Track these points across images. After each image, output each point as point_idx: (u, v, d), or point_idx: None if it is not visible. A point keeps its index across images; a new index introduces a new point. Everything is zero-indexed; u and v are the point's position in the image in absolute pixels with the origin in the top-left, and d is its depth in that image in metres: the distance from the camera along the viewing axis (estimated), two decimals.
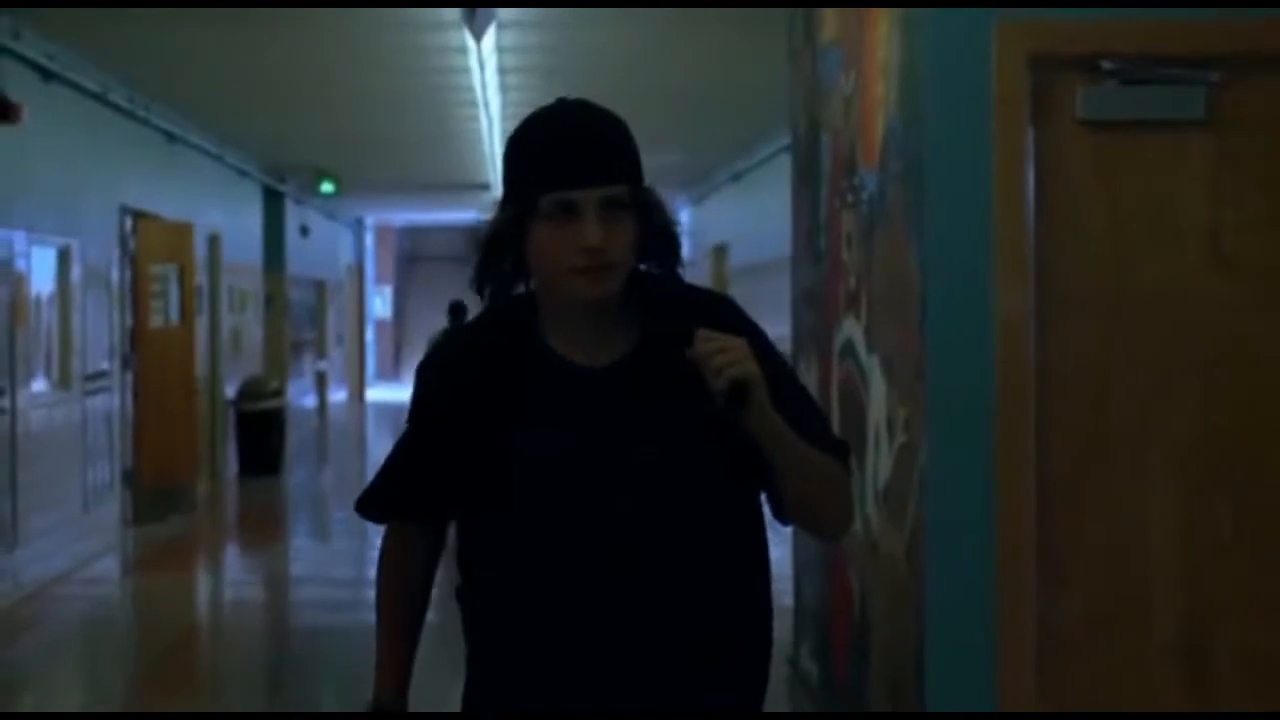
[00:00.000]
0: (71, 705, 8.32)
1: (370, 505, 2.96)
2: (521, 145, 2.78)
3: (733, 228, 21.81)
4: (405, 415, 2.92)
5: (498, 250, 2.77)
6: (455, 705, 2.94)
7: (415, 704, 3.01)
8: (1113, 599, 5.45)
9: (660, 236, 2.81)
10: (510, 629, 2.78)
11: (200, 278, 16.28)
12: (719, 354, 2.65)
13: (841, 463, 2.87)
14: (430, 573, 2.96)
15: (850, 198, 6.61)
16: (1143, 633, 5.47)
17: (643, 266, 2.82)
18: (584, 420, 2.74)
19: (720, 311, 2.86)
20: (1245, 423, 5.46)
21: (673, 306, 2.82)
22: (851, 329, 6.60)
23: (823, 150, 7.20)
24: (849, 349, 6.63)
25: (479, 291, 2.83)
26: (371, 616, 2.99)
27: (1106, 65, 5.38)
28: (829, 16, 7.08)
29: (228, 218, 17.84)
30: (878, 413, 6.12)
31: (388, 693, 2.95)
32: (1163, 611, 5.47)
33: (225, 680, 9.10)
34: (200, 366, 15.84)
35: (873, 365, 6.25)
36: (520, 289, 2.83)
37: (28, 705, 8.34)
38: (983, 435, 5.37)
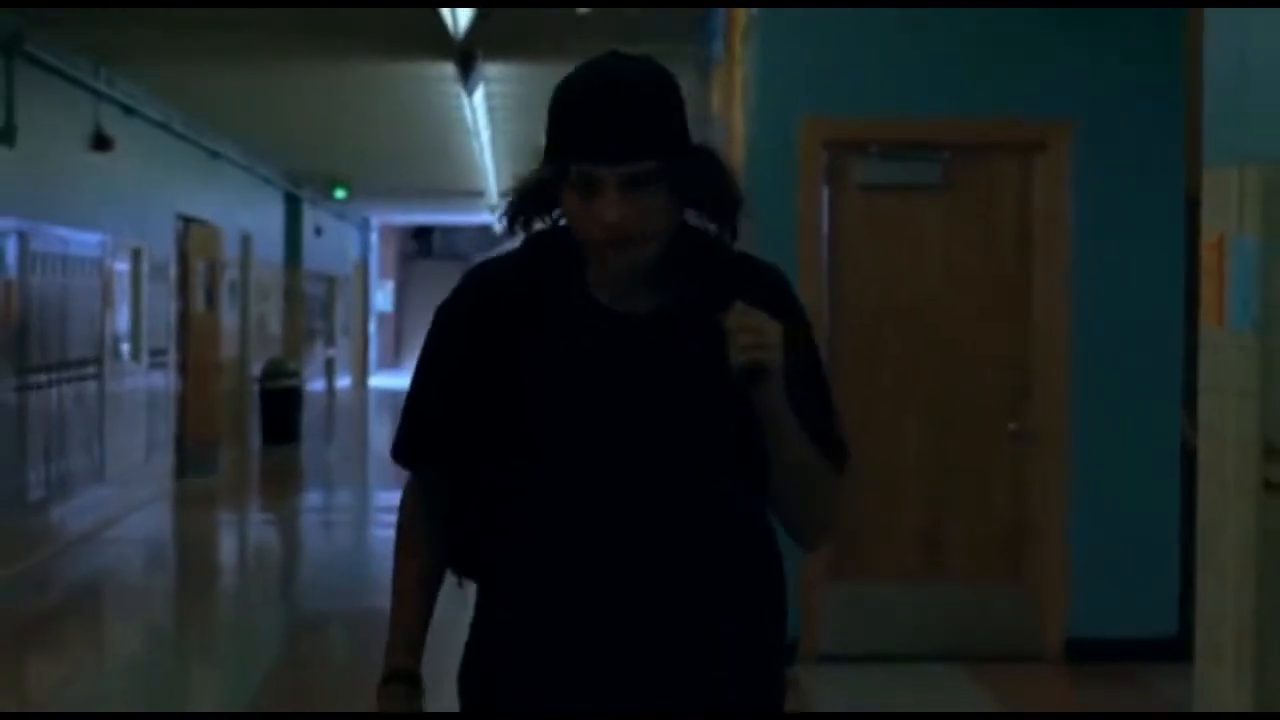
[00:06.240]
0: (140, 598, 11.02)
1: (405, 450, 2.77)
2: (560, 106, 2.61)
3: None
4: (422, 350, 2.78)
5: (531, 203, 2.67)
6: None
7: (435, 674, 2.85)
8: (879, 501, 8.20)
9: (713, 199, 2.65)
10: (533, 585, 2.65)
11: (233, 272, 18.86)
12: (746, 332, 2.53)
13: (834, 463, 2.71)
14: (445, 528, 2.76)
15: None
16: (897, 524, 8.24)
17: (693, 220, 2.67)
18: (612, 364, 2.63)
19: (766, 284, 2.70)
20: (966, 386, 8.24)
21: (717, 270, 2.68)
22: None
23: None
24: None
25: (510, 232, 2.71)
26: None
27: (874, 149, 8.15)
28: (717, 93, 9.81)
29: (255, 220, 20.10)
30: None
31: (400, 660, 2.72)
32: (910, 511, 8.24)
33: (255, 578, 11.99)
34: (228, 349, 18.42)
35: None
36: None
37: (114, 596, 11.09)
38: None
